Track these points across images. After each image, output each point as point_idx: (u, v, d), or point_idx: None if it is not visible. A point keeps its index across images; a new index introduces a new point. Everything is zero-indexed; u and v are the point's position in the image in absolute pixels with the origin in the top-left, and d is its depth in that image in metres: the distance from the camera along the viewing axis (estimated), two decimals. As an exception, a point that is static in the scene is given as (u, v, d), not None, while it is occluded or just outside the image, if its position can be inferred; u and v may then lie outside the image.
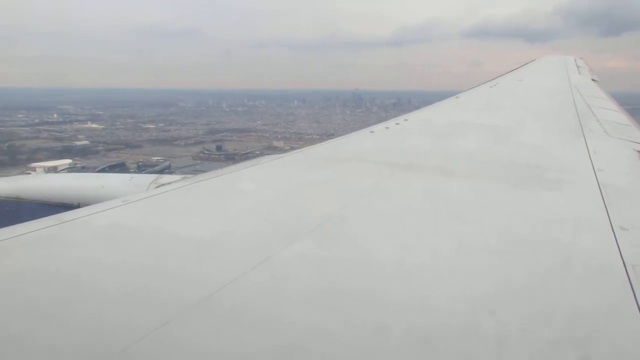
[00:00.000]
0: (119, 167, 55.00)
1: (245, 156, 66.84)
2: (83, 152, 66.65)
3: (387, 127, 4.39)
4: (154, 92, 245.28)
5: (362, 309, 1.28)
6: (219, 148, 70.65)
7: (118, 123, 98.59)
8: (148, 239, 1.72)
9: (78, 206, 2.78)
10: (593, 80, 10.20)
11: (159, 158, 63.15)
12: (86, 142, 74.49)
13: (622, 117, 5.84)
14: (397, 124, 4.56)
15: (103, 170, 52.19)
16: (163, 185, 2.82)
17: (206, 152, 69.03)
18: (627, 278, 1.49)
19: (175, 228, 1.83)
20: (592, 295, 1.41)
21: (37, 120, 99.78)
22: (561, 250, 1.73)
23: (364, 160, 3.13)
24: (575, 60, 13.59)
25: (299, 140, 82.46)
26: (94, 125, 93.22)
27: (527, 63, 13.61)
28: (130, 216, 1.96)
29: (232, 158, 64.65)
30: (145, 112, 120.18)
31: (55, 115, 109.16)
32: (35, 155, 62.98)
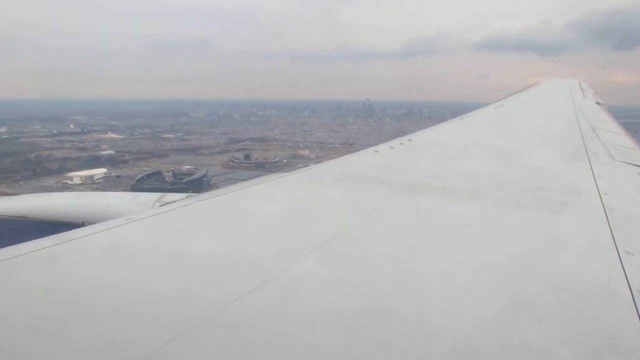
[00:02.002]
0: (156, 176, 54.92)
1: (274, 164, 66.78)
2: (112, 162, 66.57)
3: (391, 147, 4.36)
4: (162, 102, 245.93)
5: (368, 328, 1.29)
6: (246, 157, 70.72)
7: (136, 133, 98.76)
8: (153, 258, 1.72)
9: (82, 225, 2.78)
10: (597, 103, 10.24)
11: (189, 167, 63.04)
12: (111, 151, 74.45)
13: (627, 141, 5.82)
14: (402, 144, 4.58)
15: (141, 179, 52.15)
16: (168, 203, 2.82)
17: (235, 160, 69.00)
18: (633, 303, 1.48)
19: (180, 246, 1.83)
20: (597, 320, 1.40)
21: (55, 131, 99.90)
22: (566, 274, 1.72)
23: (369, 180, 3.12)
24: (580, 84, 13.68)
25: (321, 149, 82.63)
26: (113, 136, 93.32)
27: (532, 86, 13.69)
28: (135, 234, 1.97)
29: (263, 166, 64.60)
30: (159, 122, 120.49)
31: (71, 126, 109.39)
32: (66, 164, 62.93)
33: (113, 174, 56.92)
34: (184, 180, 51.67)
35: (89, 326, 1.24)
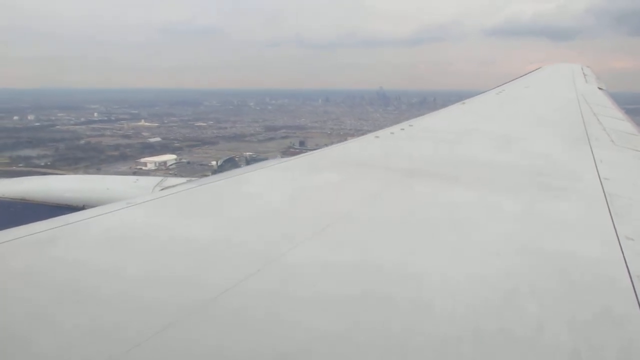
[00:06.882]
0: (231, 162, 54.56)
1: (333, 151, 66.73)
2: (166, 149, 65.67)
3: (392, 133, 4.39)
4: (168, 92, 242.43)
5: (367, 312, 1.29)
6: (301, 144, 70.58)
7: (166, 121, 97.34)
8: (152, 242, 1.73)
9: (83, 208, 2.81)
10: (600, 88, 10.20)
11: (250, 153, 62.57)
12: (158, 138, 73.45)
13: (629, 126, 5.85)
14: (402, 129, 4.59)
15: (222, 166, 51.68)
16: (168, 187, 2.85)
17: (295, 147, 68.75)
18: (632, 289, 1.48)
19: (180, 230, 1.84)
20: (596, 305, 1.40)
21: (82, 119, 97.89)
22: (566, 260, 1.72)
23: (369, 165, 3.14)
24: (582, 69, 13.62)
25: (362, 136, 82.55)
26: (147, 124, 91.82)
27: (534, 70, 13.61)
28: (134, 218, 1.97)
29: (323, 153, 64.52)
30: (178, 111, 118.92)
31: (95, 115, 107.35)
32: (124, 152, 61.98)
33: (183, 160, 56.39)
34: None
35: (88, 309, 1.23)
